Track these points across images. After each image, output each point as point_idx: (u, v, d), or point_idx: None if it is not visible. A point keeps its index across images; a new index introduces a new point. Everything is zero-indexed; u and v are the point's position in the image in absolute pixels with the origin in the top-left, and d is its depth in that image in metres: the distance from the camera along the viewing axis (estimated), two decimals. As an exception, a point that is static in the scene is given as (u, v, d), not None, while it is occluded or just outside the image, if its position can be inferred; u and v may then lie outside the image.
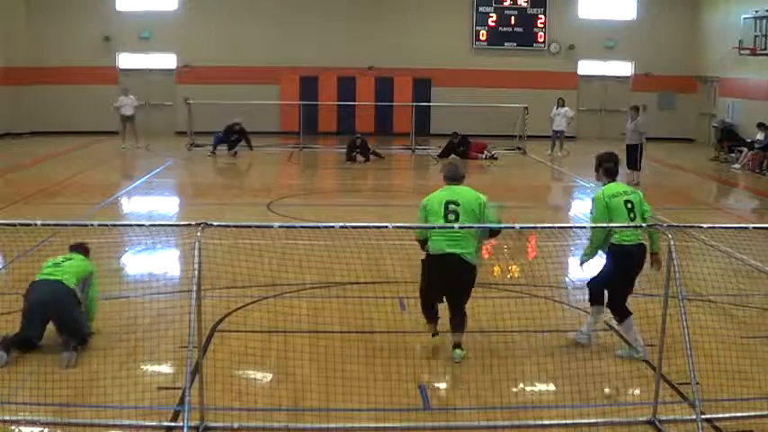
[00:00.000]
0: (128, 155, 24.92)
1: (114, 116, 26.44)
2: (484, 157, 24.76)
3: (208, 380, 6.85)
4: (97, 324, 8.68)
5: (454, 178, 8.38)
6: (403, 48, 30.17)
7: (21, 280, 8.94)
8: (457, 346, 8.22)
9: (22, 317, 8.16)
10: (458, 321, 8.28)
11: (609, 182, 8.60)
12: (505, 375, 7.78)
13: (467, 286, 8.30)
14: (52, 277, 8.25)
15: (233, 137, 24.80)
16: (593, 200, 8.62)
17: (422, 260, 8.30)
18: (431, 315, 8.43)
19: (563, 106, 25.78)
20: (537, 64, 30.96)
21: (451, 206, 8.10)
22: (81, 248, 8.92)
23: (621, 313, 8.38)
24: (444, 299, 8.38)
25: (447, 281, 8.18)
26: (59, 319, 8.12)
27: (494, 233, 8.41)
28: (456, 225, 8.00)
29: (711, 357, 8.22)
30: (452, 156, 24.73)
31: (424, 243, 8.22)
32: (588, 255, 8.56)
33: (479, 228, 8.04)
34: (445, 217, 8.08)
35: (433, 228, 8.02)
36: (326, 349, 8.26)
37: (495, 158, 24.73)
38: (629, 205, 8.34)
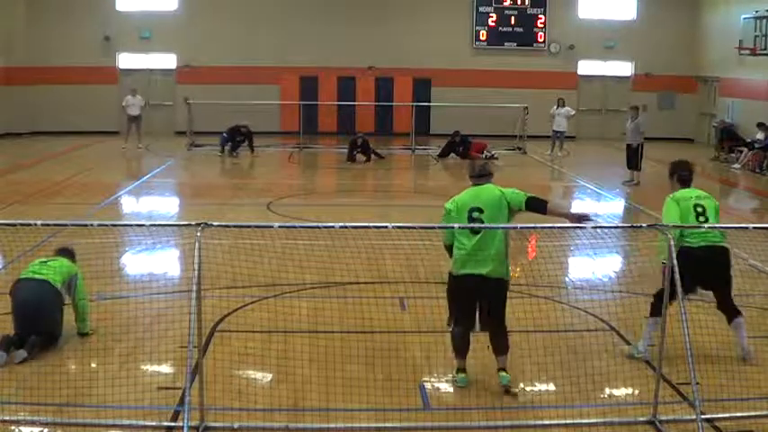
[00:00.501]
0: (128, 155, 24.92)
1: (120, 116, 26.46)
2: (483, 157, 24.74)
3: (208, 380, 6.85)
4: (92, 324, 8.68)
5: (479, 175, 7.58)
6: (403, 48, 30.18)
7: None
8: (502, 369, 7.51)
9: (12, 315, 8.21)
10: (498, 342, 7.58)
11: (681, 188, 8.45)
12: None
13: (499, 302, 7.51)
14: (39, 275, 8.29)
15: (238, 138, 24.75)
16: (664, 203, 8.43)
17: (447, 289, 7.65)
18: (460, 346, 7.66)
19: (563, 106, 25.77)
20: (537, 64, 30.97)
21: (475, 214, 7.33)
22: (67, 252, 8.94)
23: (729, 313, 8.24)
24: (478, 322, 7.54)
25: (476, 301, 7.43)
26: (39, 317, 8.11)
27: (533, 206, 7.43)
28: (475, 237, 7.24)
29: (711, 357, 8.23)
30: (452, 155, 24.78)
31: (451, 249, 7.50)
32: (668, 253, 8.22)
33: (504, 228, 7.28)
34: (470, 228, 7.25)
35: (456, 227, 7.27)
36: (326, 349, 8.25)
37: (496, 159, 24.73)
38: (699, 209, 8.17)
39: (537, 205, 7.43)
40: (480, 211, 7.33)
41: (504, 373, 7.46)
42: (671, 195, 8.36)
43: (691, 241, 7.98)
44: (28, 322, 8.11)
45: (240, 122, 24.87)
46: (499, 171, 23.01)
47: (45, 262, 8.56)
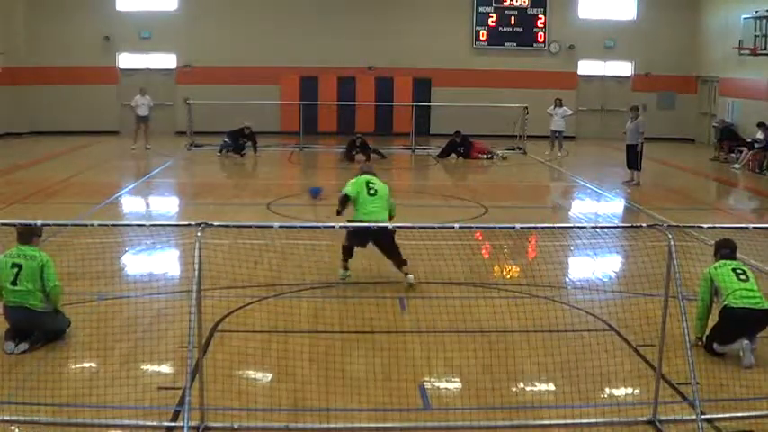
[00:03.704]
0: (128, 155, 24.91)
1: (120, 116, 26.41)
2: (486, 158, 24.76)
3: (208, 380, 6.85)
4: (93, 324, 8.67)
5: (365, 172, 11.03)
6: (403, 48, 30.19)
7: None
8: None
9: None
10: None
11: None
12: (505, 375, 7.78)
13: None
14: (19, 303, 8.25)
15: (241, 140, 24.64)
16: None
17: None
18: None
19: (560, 106, 25.77)
20: (537, 64, 30.97)
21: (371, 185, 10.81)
22: (28, 236, 8.43)
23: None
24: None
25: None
26: (39, 330, 8.30)
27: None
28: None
29: (711, 357, 8.24)
30: (452, 156, 24.77)
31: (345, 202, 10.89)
32: (699, 328, 8.50)
33: None
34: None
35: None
36: (326, 349, 8.26)
37: (505, 158, 24.76)
38: (739, 271, 8.44)
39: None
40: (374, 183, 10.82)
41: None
42: (710, 267, 8.65)
43: (733, 302, 8.23)
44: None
45: (243, 124, 24.80)
46: (499, 170, 23.19)
47: (16, 273, 8.23)
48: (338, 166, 23.49)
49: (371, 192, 10.76)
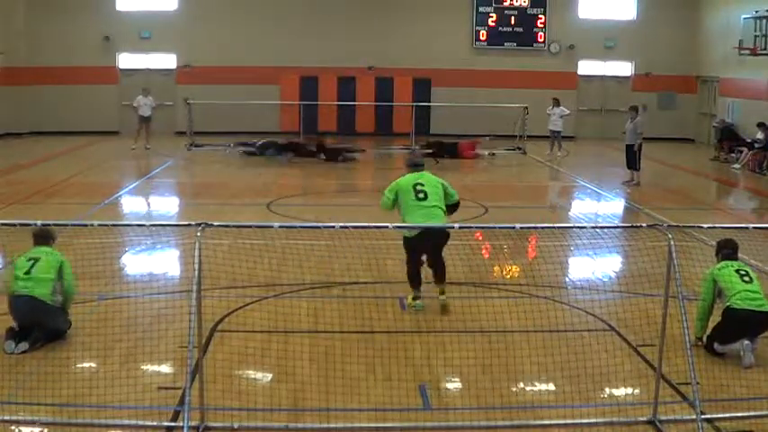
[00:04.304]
0: (128, 155, 24.90)
1: (120, 116, 26.39)
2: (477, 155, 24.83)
3: (208, 380, 6.85)
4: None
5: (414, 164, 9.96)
6: (403, 48, 30.18)
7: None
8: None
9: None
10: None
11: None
12: (505, 375, 7.78)
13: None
14: (27, 292, 8.30)
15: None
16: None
17: None
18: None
19: (558, 106, 25.78)
20: (537, 64, 30.96)
21: (419, 186, 9.55)
22: (45, 238, 8.71)
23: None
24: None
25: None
26: (41, 326, 8.29)
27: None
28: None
29: (711, 357, 8.24)
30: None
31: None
32: (699, 329, 8.52)
33: None
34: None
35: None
36: (326, 349, 8.27)
37: (493, 155, 24.73)
38: (742, 272, 8.44)
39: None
40: (422, 184, 9.54)
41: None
42: (712, 268, 8.64)
43: (737, 303, 8.23)
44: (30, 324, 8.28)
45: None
46: (499, 170, 23.18)
47: (28, 272, 8.40)
48: (339, 167, 23.42)
49: (420, 195, 9.43)
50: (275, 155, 24.31)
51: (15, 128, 28.52)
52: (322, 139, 24.74)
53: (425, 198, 9.40)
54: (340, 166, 23.51)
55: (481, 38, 30.95)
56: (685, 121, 31.33)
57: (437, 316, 9.49)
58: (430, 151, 24.56)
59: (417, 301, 9.68)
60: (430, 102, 29.96)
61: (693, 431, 6.41)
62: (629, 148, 20.07)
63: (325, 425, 6.77)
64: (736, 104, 27.51)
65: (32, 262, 8.49)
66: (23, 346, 8.11)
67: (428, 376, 7.87)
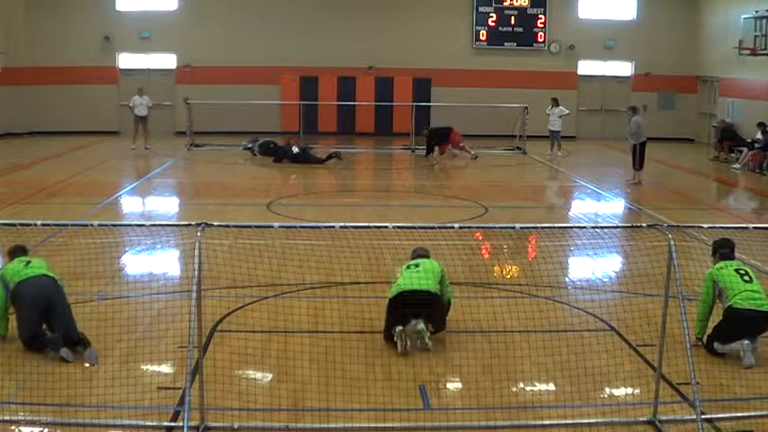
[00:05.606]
0: (128, 155, 24.89)
1: (120, 116, 26.38)
2: (457, 153, 24.85)
3: (208, 380, 6.85)
4: (93, 324, 8.68)
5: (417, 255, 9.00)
6: (403, 48, 30.17)
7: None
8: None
9: (18, 321, 8.23)
10: None
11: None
12: (505, 375, 7.78)
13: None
14: (35, 272, 8.27)
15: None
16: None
17: None
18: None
19: (557, 106, 25.78)
20: (537, 64, 30.95)
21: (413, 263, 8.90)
22: (23, 249, 8.77)
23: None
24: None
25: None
26: (55, 310, 8.13)
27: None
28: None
29: (711, 357, 8.24)
30: (436, 151, 24.69)
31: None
32: (699, 329, 8.52)
33: None
34: None
35: None
36: (326, 349, 8.26)
37: (476, 157, 24.68)
38: (742, 272, 8.44)
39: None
40: (417, 264, 8.80)
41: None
42: (712, 268, 8.63)
43: (739, 302, 8.22)
44: (40, 322, 8.15)
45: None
46: (499, 170, 23.17)
47: (28, 263, 8.44)
48: (339, 167, 23.43)
49: (412, 267, 8.81)
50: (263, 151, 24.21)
51: (15, 128, 28.51)
52: (291, 140, 24.49)
53: (417, 267, 8.74)
54: (331, 165, 23.42)
55: (481, 38, 30.95)
56: (685, 121, 31.33)
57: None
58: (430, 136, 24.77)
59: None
60: (430, 102, 29.95)
61: (693, 431, 6.41)
62: (633, 147, 20.23)
63: (325, 425, 6.77)
64: (736, 104, 27.51)
65: (26, 261, 8.49)
66: (92, 354, 7.94)
67: (428, 376, 7.87)
